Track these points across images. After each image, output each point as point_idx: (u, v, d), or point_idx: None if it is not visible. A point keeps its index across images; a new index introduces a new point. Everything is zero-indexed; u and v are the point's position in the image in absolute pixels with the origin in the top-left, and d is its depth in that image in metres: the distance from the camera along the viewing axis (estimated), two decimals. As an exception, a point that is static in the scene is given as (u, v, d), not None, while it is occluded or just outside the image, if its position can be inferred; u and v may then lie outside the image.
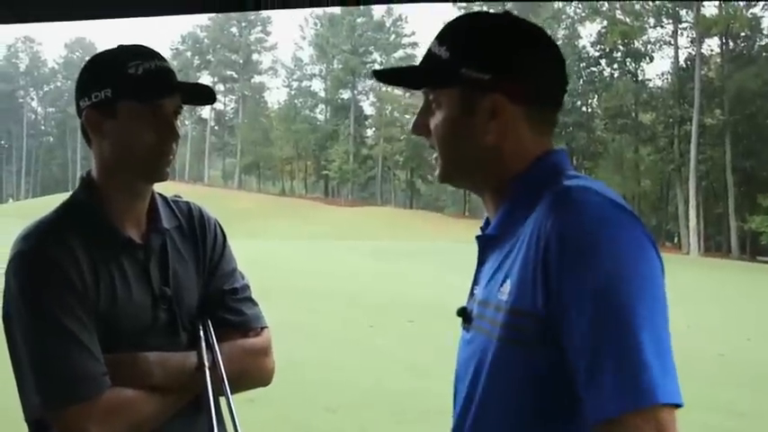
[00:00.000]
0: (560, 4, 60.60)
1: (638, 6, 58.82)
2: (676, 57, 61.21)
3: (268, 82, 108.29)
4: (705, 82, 57.16)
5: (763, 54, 59.24)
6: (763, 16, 57.52)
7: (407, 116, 71.12)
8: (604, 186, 1.38)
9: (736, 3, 53.13)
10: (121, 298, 1.89)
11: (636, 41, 61.96)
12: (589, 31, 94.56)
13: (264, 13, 74.41)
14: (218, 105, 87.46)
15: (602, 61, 64.97)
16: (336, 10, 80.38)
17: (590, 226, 1.29)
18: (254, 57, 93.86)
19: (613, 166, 60.64)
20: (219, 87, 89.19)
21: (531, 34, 1.52)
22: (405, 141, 70.92)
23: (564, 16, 65.55)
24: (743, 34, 58.88)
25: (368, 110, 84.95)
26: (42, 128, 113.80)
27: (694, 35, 58.11)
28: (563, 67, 1.55)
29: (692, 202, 53.02)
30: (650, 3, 58.20)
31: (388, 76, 1.69)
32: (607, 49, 63.08)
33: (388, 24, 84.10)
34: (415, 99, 63.28)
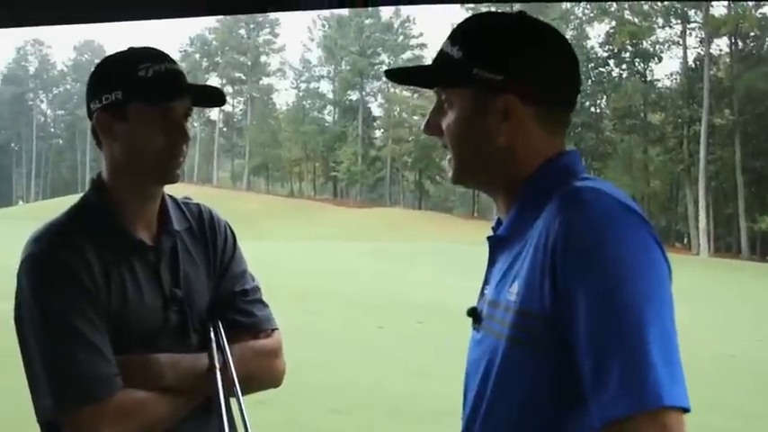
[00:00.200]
0: (568, 4, 60.50)
1: (646, 7, 58.67)
2: (685, 57, 61.08)
3: (276, 84, 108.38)
4: (714, 82, 56.97)
5: (773, 54, 59.06)
6: (772, 16, 57.27)
7: (416, 117, 71.09)
8: (614, 188, 1.38)
9: (745, 2, 53.02)
10: (132, 300, 1.90)
11: (644, 42, 61.81)
12: (597, 32, 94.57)
13: (272, 14, 74.55)
14: (226, 107, 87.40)
15: (611, 62, 64.83)
16: (344, 12, 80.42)
17: (597, 226, 1.29)
18: (263, 58, 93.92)
19: (622, 167, 60.49)
20: (228, 89, 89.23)
21: (545, 35, 1.51)
22: (413, 142, 70.88)
23: (572, 17, 65.42)
24: (752, 34, 58.68)
25: (376, 111, 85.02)
26: (52, 130, 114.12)
27: (703, 35, 57.93)
28: (576, 67, 1.54)
29: (702, 203, 52.84)
30: (659, 3, 58.02)
31: (400, 75, 1.70)
32: (615, 50, 62.95)
33: (396, 26, 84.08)
34: (424, 100, 63.19)
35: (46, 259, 1.85)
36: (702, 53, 58.46)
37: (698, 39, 60.01)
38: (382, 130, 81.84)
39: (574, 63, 1.53)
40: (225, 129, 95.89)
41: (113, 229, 1.93)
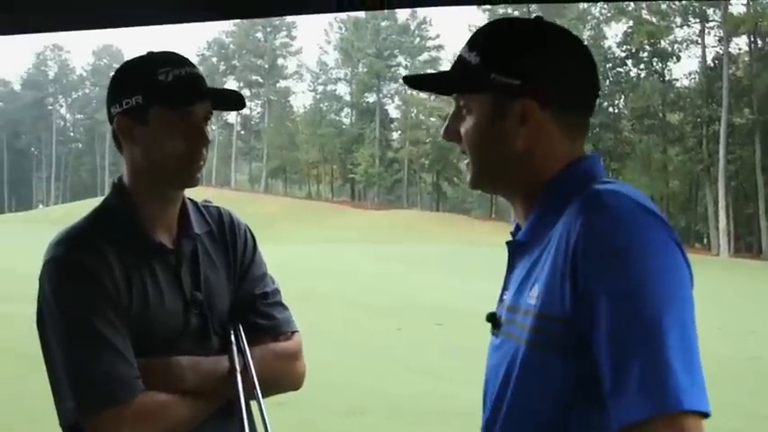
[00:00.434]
0: (586, 4, 60.26)
1: (664, 6, 58.29)
2: (704, 56, 60.63)
3: (293, 86, 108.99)
4: (733, 81, 56.56)
5: (793, 52, 58.55)
6: (792, 14, 56.78)
7: (433, 119, 71.07)
8: (635, 190, 1.37)
9: (764, 0, 52.60)
10: (153, 303, 1.91)
11: (662, 41, 61.42)
12: (615, 32, 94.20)
13: (289, 17, 74.69)
14: (244, 110, 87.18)
15: (629, 62, 64.50)
16: (361, 14, 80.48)
17: (619, 229, 1.29)
18: (280, 61, 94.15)
19: (641, 167, 60.13)
20: (245, 92, 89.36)
21: (562, 39, 1.51)
22: (430, 144, 70.82)
23: (589, 17, 65.15)
24: (772, 32, 58.21)
25: (393, 113, 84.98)
26: (71, 134, 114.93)
27: (722, 34, 57.51)
28: (594, 71, 1.54)
29: (722, 203, 52.46)
30: (677, 2, 57.70)
31: (419, 82, 1.69)
32: (633, 50, 62.61)
33: (412, 27, 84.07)
34: (441, 102, 63.17)
35: (67, 263, 1.86)
36: (721, 52, 58.03)
37: (717, 37, 59.59)
38: (399, 132, 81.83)
39: (592, 67, 1.53)
40: (243, 132, 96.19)
41: (134, 232, 1.94)
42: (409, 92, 73.37)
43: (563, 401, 1.34)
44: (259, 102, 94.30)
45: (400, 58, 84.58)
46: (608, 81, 62.36)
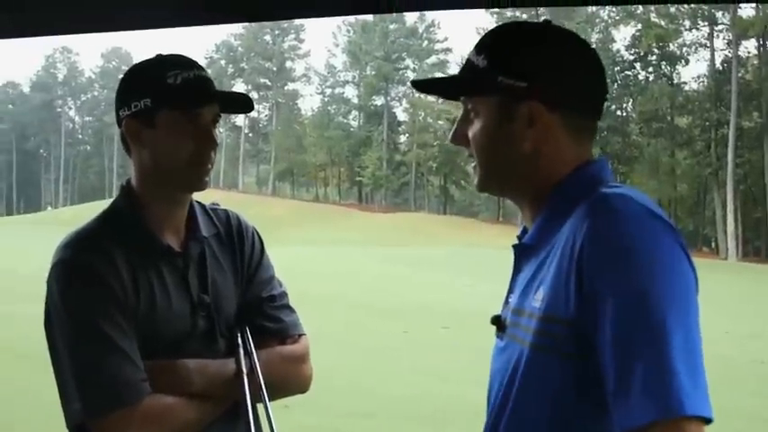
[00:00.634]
0: (594, 7, 60.18)
1: (673, 9, 58.18)
2: (712, 59, 60.52)
3: (301, 89, 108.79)
4: (742, 84, 56.44)
5: (802, 56, 58.34)
6: (801, 17, 56.58)
7: (440, 122, 71.04)
8: (642, 195, 1.37)
9: (773, 4, 52.42)
10: (161, 305, 1.91)
11: (671, 44, 61.36)
12: (623, 35, 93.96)
13: (297, 20, 74.78)
14: (252, 113, 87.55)
15: (637, 65, 64.42)
16: (369, 17, 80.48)
17: (625, 232, 1.29)
18: (288, 64, 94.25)
19: (649, 171, 59.99)
20: (253, 95, 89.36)
21: (569, 42, 1.52)
22: (438, 147, 70.76)
23: (598, 20, 65.11)
24: (781, 36, 58.04)
25: (401, 116, 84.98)
26: (80, 137, 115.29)
27: (731, 37, 57.42)
28: (602, 75, 1.54)
29: (730, 207, 52.33)
30: (685, 5, 57.58)
31: (427, 85, 1.70)
32: (642, 53, 62.56)
33: (420, 30, 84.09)
34: (449, 105, 63.15)
35: (75, 265, 1.86)
36: (730, 55, 57.92)
37: (725, 41, 59.50)
38: (407, 135, 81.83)
39: (599, 71, 1.53)
40: (250, 134, 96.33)
41: (142, 235, 1.95)
42: (417, 95, 73.35)
43: (566, 404, 1.34)
44: (267, 104, 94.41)
45: (408, 61, 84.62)
46: (616, 84, 62.29)
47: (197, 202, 2.08)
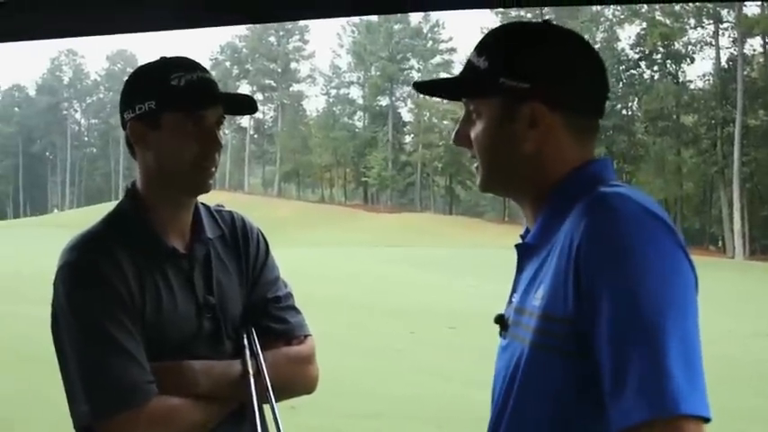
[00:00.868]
0: (598, 6, 60.09)
1: (677, 7, 58.07)
2: (718, 57, 60.35)
3: (306, 90, 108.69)
4: (748, 82, 56.28)
5: (808, 53, 58.21)
6: (806, 15, 56.42)
7: (445, 122, 70.99)
8: (641, 194, 1.38)
9: (778, 2, 52.27)
10: (167, 307, 1.92)
11: (676, 43, 61.19)
12: (628, 34, 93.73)
13: (302, 21, 74.83)
14: (257, 114, 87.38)
15: (642, 63, 64.27)
16: (373, 18, 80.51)
17: (622, 230, 1.29)
18: (293, 65, 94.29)
19: (655, 170, 59.84)
20: (258, 96, 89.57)
21: (570, 42, 1.52)
22: (443, 147, 70.69)
23: (602, 19, 64.96)
24: (786, 33, 57.88)
25: (406, 116, 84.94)
26: (85, 139, 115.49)
27: (736, 35, 57.26)
28: (603, 74, 1.55)
29: (737, 205, 52.19)
30: (690, 4, 57.47)
31: (429, 87, 1.70)
32: (647, 51, 62.38)
33: (425, 30, 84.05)
34: (454, 105, 63.09)
35: (81, 267, 1.87)
36: (735, 53, 57.74)
37: (731, 39, 59.35)
38: (412, 135, 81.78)
39: (601, 70, 1.54)
40: (256, 135, 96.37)
41: (147, 237, 1.95)
42: (422, 96, 73.28)
43: (566, 402, 1.34)
44: (272, 106, 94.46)
45: (413, 62, 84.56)
46: (621, 83, 62.18)
47: (202, 203, 2.09)
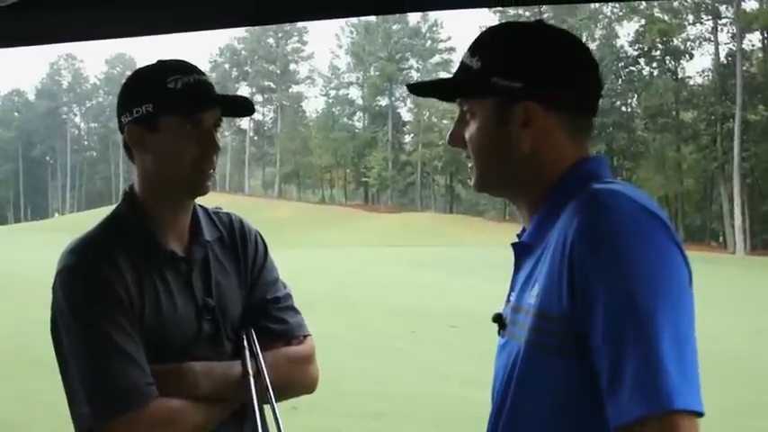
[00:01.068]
0: (597, 4, 60.08)
1: (676, 4, 58.06)
2: (717, 53, 60.35)
3: (306, 91, 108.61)
4: (747, 78, 56.27)
5: (807, 48, 58.19)
6: (805, 9, 56.40)
7: (445, 122, 70.94)
8: (636, 190, 1.38)
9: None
10: (166, 310, 1.92)
11: (675, 39, 61.17)
12: (627, 31, 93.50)
13: (300, 23, 74.83)
14: (256, 116, 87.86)
15: (641, 60, 64.26)
16: (372, 18, 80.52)
17: (615, 228, 1.30)
18: (292, 67, 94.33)
19: (655, 166, 59.83)
20: (258, 98, 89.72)
21: (563, 41, 1.52)
22: (443, 147, 70.52)
23: (601, 16, 64.93)
24: (785, 28, 57.84)
25: (405, 116, 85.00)
26: (85, 143, 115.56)
27: (735, 31, 57.25)
28: (596, 71, 1.55)
29: (737, 200, 52.18)
30: (688, 0, 57.49)
31: (423, 88, 1.71)
32: (646, 48, 62.38)
33: (423, 30, 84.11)
34: (453, 104, 62.79)
35: (81, 271, 1.88)
36: (734, 49, 57.73)
37: (729, 34, 59.37)
38: (412, 135, 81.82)
39: (593, 68, 1.54)
40: (256, 137, 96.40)
41: (146, 240, 1.96)
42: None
43: (562, 400, 1.35)
44: (272, 107, 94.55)
45: (412, 61, 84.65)
46: (620, 80, 62.19)
47: (200, 206, 2.09)
